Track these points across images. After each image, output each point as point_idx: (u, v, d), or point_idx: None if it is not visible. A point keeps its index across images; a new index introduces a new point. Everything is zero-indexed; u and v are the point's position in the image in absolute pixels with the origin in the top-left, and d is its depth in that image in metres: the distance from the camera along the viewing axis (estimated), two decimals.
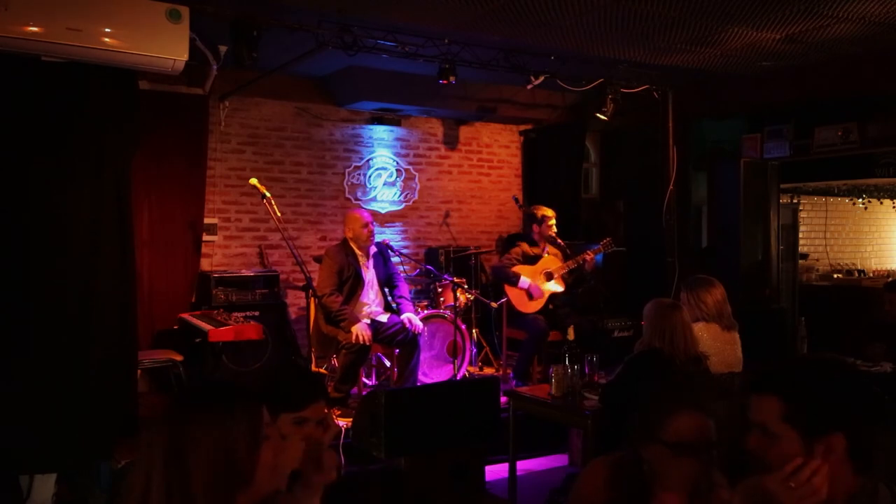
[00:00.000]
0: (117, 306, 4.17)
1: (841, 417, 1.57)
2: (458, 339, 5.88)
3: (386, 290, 5.76)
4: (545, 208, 6.18)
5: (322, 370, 5.69)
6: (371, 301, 5.61)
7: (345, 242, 5.61)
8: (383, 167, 7.43)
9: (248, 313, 5.81)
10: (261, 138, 6.79)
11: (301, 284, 5.97)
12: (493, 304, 6.22)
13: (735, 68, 6.07)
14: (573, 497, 2.22)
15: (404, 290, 5.75)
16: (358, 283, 5.52)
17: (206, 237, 6.37)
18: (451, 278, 6.10)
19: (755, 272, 6.69)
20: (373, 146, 7.39)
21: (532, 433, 5.02)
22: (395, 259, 6.04)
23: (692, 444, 1.96)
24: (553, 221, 6.09)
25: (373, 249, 5.66)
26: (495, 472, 4.68)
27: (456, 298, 5.94)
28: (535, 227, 6.15)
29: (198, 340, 5.26)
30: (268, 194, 5.28)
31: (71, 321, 3.99)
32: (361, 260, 5.59)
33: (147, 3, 4.06)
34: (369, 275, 5.62)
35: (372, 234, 5.59)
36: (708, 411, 2.02)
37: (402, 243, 7.48)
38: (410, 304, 5.69)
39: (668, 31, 5.08)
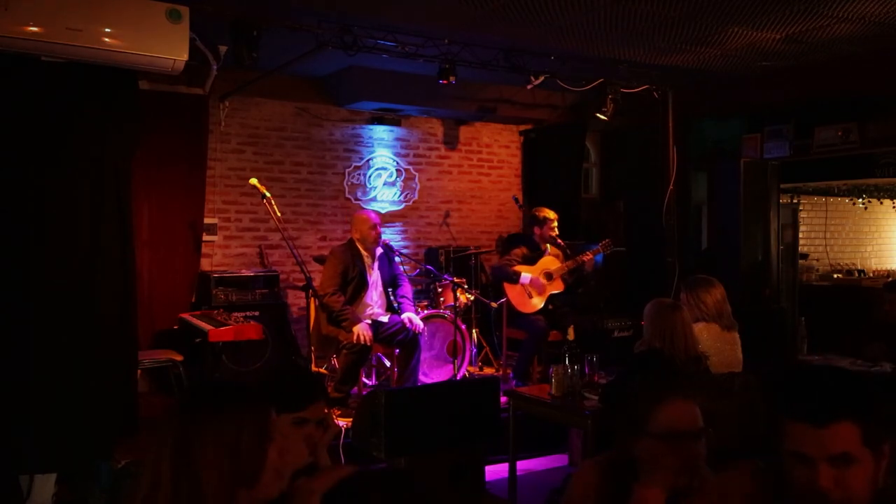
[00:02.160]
0: (117, 306, 4.17)
1: (891, 426, 1.58)
2: (458, 339, 5.88)
3: (389, 290, 5.76)
4: (547, 210, 6.18)
5: (322, 370, 5.70)
6: (374, 302, 5.60)
7: (351, 243, 5.61)
8: (383, 167, 7.43)
9: (248, 313, 5.81)
10: (261, 138, 6.79)
11: (301, 284, 5.96)
12: (493, 304, 6.22)
13: (735, 68, 6.07)
14: (565, 498, 2.21)
15: (407, 290, 5.75)
16: (362, 284, 5.51)
17: (206, 237, 6.37)
18: (451, 278, 6.10)
19: (755, 272, 6.68)
20: (373, 146, 7.39)
21: (532, 433, 5.02)
22: (395, 259, 6.04)
23: (681, 433, 1.96)
24: (555, 223, 6.09)
25: (379, 251, 5.65)
26: (495, 472, 4.68)
27: (456, 298, 5.94)
28: (537, 230, 6.16)
29: (198, 340, 5.26)
30: (268, 194, 5.28)
31: (71, 321, 4.00)
32: (367, 261, 5.58)
33: (147, 3, 4.06)
34: (374, 276, 5.61)
35: (379, 235, 5.58)
36: (693, 398, 2.02)
37: (402, 243, 7.48)
38: (412, 304, 5.69)
39: (668, 31, 5.08)
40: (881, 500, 1.57)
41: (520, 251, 6.09)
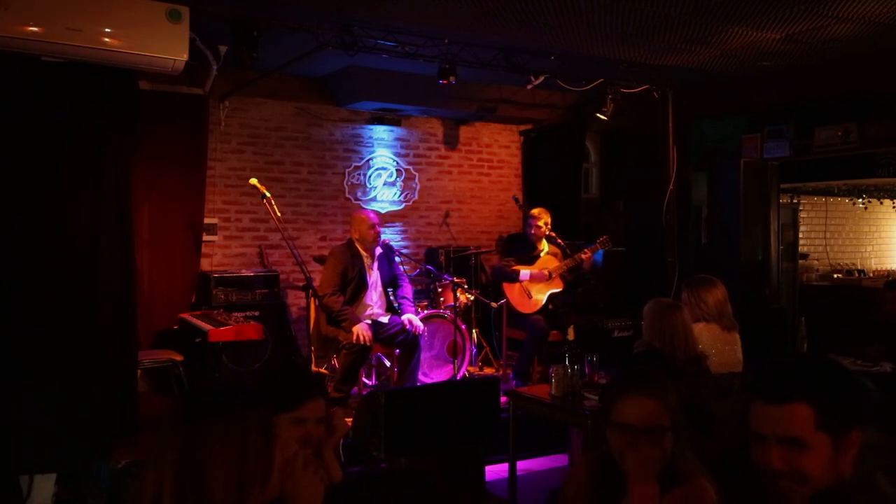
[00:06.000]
0: (117, 307, 4.17)
1: (859, 414, 1.57)
2: (458, 339, 5.88)
3: (389, 290, 5.76)
4: (535, 209, 6.19)
5: (322, 370, 5.70)
6: (374, 303, 5.60)
7: (350, 243, 5.61)
8: (383, 167, 7.43)
9: (248, 313, 5.81)
10: (261, 138, 6.79)
11: (301, 284, 5.96)
12: (493, 304, 6.22)
13: (735, 68, 6.07)
14: (562, 495, 2.24)
15: (407, 290, 5.75)
16: (362, 284, 5.51)
17: (206, 237, 6.37)
18: (451, 278, 6.10)
19: (755, 272, 6.68)
20: (373, 146, 7.39)
21: (532, 433, 5.02)
22: (395, 259, 6.04)
23: (631, 427, 2.00)
24: (541, 221, 6.05)
25: (378, 251, 5.65)
26: (495, 472, 4.68)
27: (456, 298, 5.94)
28: (528, 230, 6.19)
29: (198, 340, 5.26)
30: (268, 194, 5.28)
31: (71, 321, 3.99)
32: (367, 261, 5.58)
33: (147, 3, 4.06)
34: (373, 276, 5.61)
35: (378, 235, 5.59)
36: (655, 396, 2.04)
37: (402, 243, 7.48)
38: (412, 305, 5.69)
39: (668, 31, 5.08)
40: (848, 489, 1.55)
41: (514, 257, 6.09)
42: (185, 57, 4.18)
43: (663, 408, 2.03)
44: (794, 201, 8.35)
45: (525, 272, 5.96)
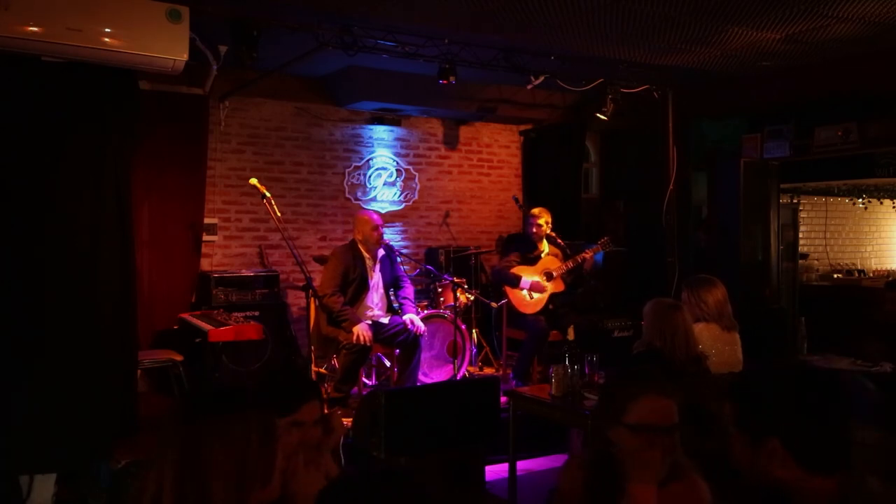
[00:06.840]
0: (117, 307, 4.17)
1: (771, 421, 1.64)
2: (458, 339, 5.88)
3: (391, 290, 5.76)
4: (535, 208, 6.19)
5: (322, 370, 5.70)
6: (374, 305, 5.60)
7: (353, 244, 5.61)
8: (383, 167, 7.43)
9: (248, 313, 5.81)
10: (261, 138, 6.79)
11: (301, 284, 5.96)
12: (494, 305, 6.22)
13: (735, 68, 6.07)
14: (555, 496, 2.24)
15: (409, 291, 5.75)
16: (363, 286, 5.51)
17: (206, 237, 6.37)
18: (451, 278, 6.10)
19: (755, 272, 6.68)
20: (373, 146, 7.39)
21: (532, 433, 5.02)
22: (397, 260, 6.03)
23: (654, 427, 2.02)
24: (541, 220, 6.06)
25: (381, 252, 5.65)
26: (495, 472, 4.68)
27: (456, 298, 5.94)
28: (529, 229, 6.19)
29: (198, 340, 5.26)
30: (268, 194, 5.27)
31: (71, 321, 3.99)
32: (369, 263, 5.58)
33: (147, 3, 4.06)
34: (375, 278, 5.61)
35: (381, 236, 5.58)
36: (670, 395, 2.09)
37: (402, 243, 7.48)
38: (413, 305, 5.68)
39: (668, 31, 5.08)
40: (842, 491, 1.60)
41: (514, 256, 6.09)
42: (185, 57, 4.18)
43: (676, 406, 2.07)
44: (794, 201, 8.34)
45: (526, 280, 5.95)
